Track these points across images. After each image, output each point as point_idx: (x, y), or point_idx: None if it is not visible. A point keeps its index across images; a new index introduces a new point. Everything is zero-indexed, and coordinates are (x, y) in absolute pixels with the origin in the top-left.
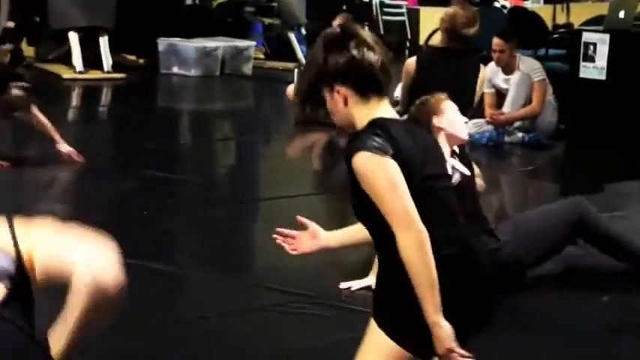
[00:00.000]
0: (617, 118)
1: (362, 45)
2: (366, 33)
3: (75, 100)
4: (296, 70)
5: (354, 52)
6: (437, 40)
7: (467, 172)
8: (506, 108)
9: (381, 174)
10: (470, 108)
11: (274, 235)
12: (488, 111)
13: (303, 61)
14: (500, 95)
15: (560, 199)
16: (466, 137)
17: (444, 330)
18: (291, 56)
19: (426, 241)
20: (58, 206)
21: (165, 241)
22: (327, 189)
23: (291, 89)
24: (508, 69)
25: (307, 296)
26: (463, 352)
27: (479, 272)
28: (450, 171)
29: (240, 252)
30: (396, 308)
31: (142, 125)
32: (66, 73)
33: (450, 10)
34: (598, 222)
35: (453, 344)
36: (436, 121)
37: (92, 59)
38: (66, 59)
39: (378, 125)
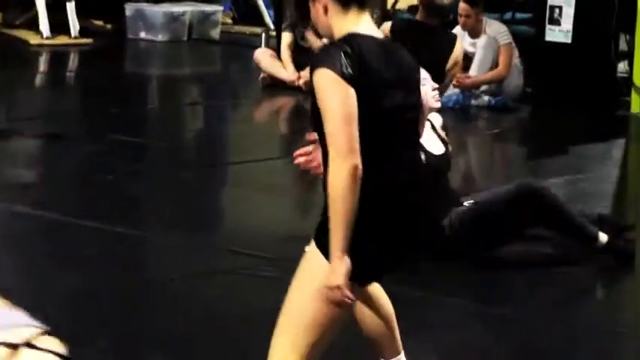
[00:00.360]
0: (582, 82)
1: None
2: None
3: (42, 65)
4: (263, 34)
5: None
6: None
7: (435, 152)
8: (473, 71)
9: (334, 97)
10: (441, 83)
11: (295, 162)
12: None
13: (271, 25)
14: (466, 59)
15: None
16: (437, 105)
17: (340, 266)
18: (259, 21)
19: (356, 176)
20: (23, 171)
21: (130, 205)
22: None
23: (259, 53)
24: (474, 33)
25: (272, 259)
26: (349, 293)
27: (424, 199)
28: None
29: (207, 215)
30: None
31: (109, 90)
32: (33, 39)
33: None
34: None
35: (342, 282)
36: None
37: (59, 25)
38: (33, 25)
39: (348, 41)
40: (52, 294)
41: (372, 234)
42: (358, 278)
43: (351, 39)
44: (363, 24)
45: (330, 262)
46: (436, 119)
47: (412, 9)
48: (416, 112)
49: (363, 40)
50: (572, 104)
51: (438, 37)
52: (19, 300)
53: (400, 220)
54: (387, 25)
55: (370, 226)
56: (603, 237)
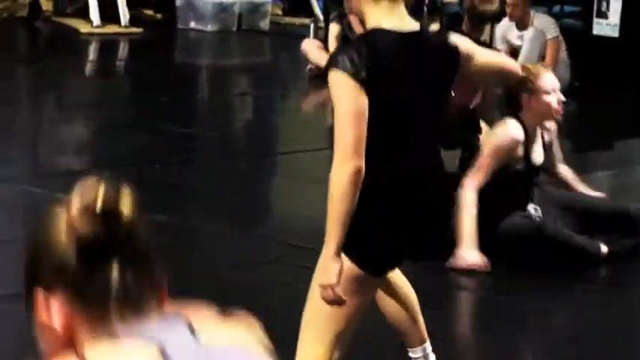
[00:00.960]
0: (629, 75)
1: None
2: None
3: (92, 54)
4: (312, 25)
5: None
6: None
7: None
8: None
9: (344, 99)
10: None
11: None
12: None
13: (320, 16)
14: (513, 52)
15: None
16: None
17: (334, 265)
18: (308, 12)
19: (357, 178)
20: (75, 159)
21: (178, 195)
22: None
23: (306, 44)
24: (522, 25)
25: (318, 251)
26: (339, 293)
27: (441, 191)
28: None
29: (255, 205)
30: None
31: (158, 80)
32: (83, 27)
33: None
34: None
35: (335, 281)
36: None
37: (109, 13)
38: (84, 13)
39: (367, 39)
40: None
41: (384, 222)
42: (370, 268)
43: (371, 37)
44: (394, 15)
45: (323, 260)
46: None
47: (461, 1)
48: (437, 106)
49: (383, 37)
50: (620, 98)
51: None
52: None
53: (414, 210)
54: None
55: (382, 215)
56: (604, 248)
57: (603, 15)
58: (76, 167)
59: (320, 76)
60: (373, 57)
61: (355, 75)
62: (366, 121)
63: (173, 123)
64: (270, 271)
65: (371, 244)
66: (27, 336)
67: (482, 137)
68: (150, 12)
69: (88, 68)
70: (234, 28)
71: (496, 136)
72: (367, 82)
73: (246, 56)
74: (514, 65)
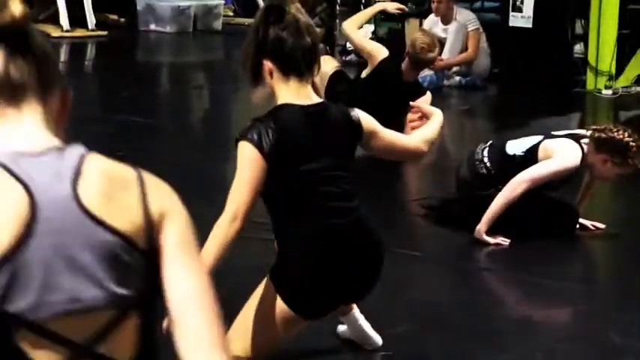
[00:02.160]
0: (542, 63)
1: (291, 27)
2: (301, 17)
3: (63, 55)
4: None
5: (283, 33)
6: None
7: None
8: (445, 54)
9: (246, 167)
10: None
11: (412, 123)
12: None
13: None
14: (440, 43)
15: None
16: None
17: None
18: (256, 13)
19: (233, 238)
20: None
21: None
22: None
23: None
24: (446, 19)
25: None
26: None
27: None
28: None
29: (209, 188)
30: (279, 265)
31: (122, 77)
32: (54, 32)
33: (414, 35)
34: None
35: None
36: None
37: (77, 19)
38: (54, 19)
39: (274, 115)
40: None
41: (308, 275)
42: (301, 312)
43: (279, 113)
44: (301, 93)
45: None
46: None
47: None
48: (341, 169)
49: (290, 112)
50: (534, 83)
51: (412, 92)
52: None
53: (334, 263)
54: (384, 53)
55: (307, 267)
56: None
57: (518, 9)
58: None
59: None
60: (279, 131)
61: (260, 148)
62: (258, 190)
63: (134, 114)
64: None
65: (300, 293)
66: None
67: (549, 155)
68: (114, 16)
69: (59, 68)
70: (191, 29)
71: (564, 161)
72: (271, 155)
73: (202, 54)
74: (416, 144)
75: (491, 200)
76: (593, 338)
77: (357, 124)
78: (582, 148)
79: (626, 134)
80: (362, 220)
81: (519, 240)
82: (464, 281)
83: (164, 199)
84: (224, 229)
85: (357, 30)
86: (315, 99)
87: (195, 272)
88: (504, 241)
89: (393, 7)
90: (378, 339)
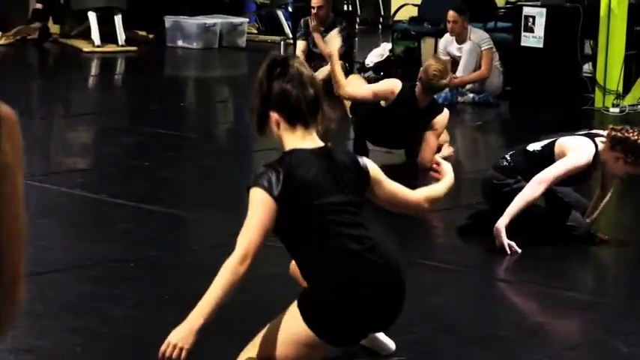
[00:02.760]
0: (553, 81)
1: (295, 80)
2: (304, 70)
3: (93, 69)
4: (282, 42)
5: (288, 85)
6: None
7: None
8: (459, 72)
9: (257, 212)
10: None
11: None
12: None
13: (289, 34)
14: (454, 62)
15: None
16: None
17: (190, 337)
18: (279, 31)
19: (241, 277)
20: (79, 159)
21: (163, 187)
22: None
23: None
24: (460, 39)
25: None
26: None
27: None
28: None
29: (230, 196)
30: (307, 295)
31: (150, 90)
32: (86, 47)
33: (426, 62)
34: None
35: (188, 347)
36: None
37: (108, 35)
38: (86, 35)
39: (283, 160)
40: (92, 259)
41: (333, 306)
42: (329, 340)
43: (287, 158)
44: (307, 140)
45: (186, 327)
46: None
47: (413, 20)
48: (353, 205)
49: (298, 155)
50: (545, 100)
51: (429, 113)
52: (65, 260)
53: (356, 292)
54: (398, 86)
55: (330, 299)
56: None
57: (530, 29)
58: (79, 166)
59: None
60: (288, 173)
61: (270, 192)
62: (268, 231)
63: (161, 126)
64: None
65: (328, 323)
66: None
67: (564, 150)
68: (143, 33)
69: (90, 82)
70: (216, 45)
71: (577, 158)
72: (280, 196)
73: (226, 69)
74: (418, 200)
75: (509, 190)
76: (600, 347)
77: (365, 171)
78: (596, 145)
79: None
80: (379, 247)
81: (532, 249)
82: (477, 291)
83: None
84: (233, 268)
85: (355, 86)
86: (321, 143)
87: None
88: (516, 249)
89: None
90: (391, 345)
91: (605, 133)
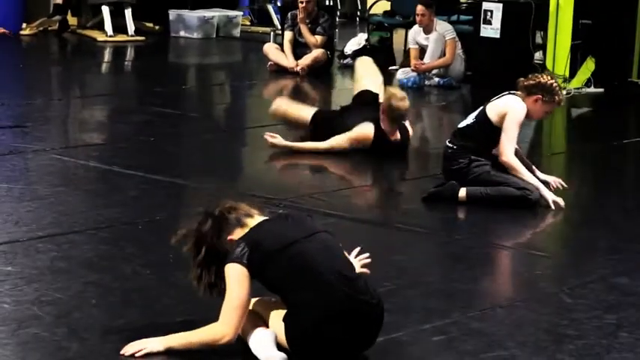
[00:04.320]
0: (508, 67)
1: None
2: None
3: (106, 57)
4: (272, 32)
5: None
6: None
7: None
8: (427, 59)
9: (233, 284)
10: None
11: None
12: (412, 62)
13: (278, 26)
14: (422, 50)
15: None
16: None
17: (159, 341)
18: (269, 23)
19: (219, 340)
20: (94, 135)
21: (168, 159)
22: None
23: (266, 47)
24: (427, 30)
25: (270, 199)
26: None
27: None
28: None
29: (226, 168)
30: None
31: (156, 75)
32: (100, 37)
33: (387, 93)
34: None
35: (145, 346)
36: None
37: (119, 26)
38: (100, 26)
39: (248, 236)
40: (103, 222)
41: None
42: (296, 351)
43: (250, 233)
44: (257, 219)
45: (165, 339)
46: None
47: (387, 13)
48: (320, 240)
49: (258, 227)
50: (501, 84)
51: (401, 141)
52: (81, 223)
53: (341, 326)
54: (370, 133)
55: (314, 328)
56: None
57: (488, 22)
58: (94, 141)
59: (278, 71)
60: (253, 245)
61: (241, 262)
62: (248, 301)
63: (165, 106)
64: None
65: (306, 343)
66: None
67: (499, 112)
68: (150, 24)
69: (103, 68)
70: (214, 36)
71: (517, 111)
72: (252, 264)
73: (223, 57)
74: None
75: (467, 169)
76: (547, 298)
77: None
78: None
79: (548, 77)
80: (358, 283)
81: (489, 213)
82: (441, 250)
83: None
84: (216, 338)
85: (332, 140)
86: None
87: None
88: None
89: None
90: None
91: (518, 84)
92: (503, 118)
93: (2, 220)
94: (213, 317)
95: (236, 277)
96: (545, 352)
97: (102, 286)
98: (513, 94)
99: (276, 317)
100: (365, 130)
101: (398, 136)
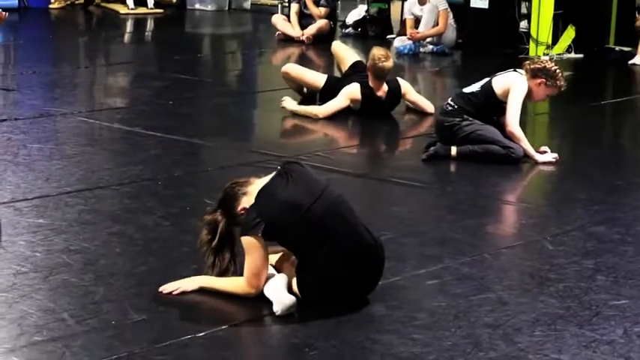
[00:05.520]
0: (495, 35)
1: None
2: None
3: (128, 28)
4: (279, 5)
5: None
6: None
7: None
8: (421, 28)
9: (253, 255)
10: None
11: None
12: (408, 31)
13: None
14: (416, 20)
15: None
16: None
17: (193, 281)
18: None
19: (242, 295)
20: (118, 99)
21: (185, 121)
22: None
23: (274, 18)
24: (422, 1)
25: (277, 156)
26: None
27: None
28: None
29: (239, 128)
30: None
31: (173, 44)
32: (122, 10)
33: (371, 51)
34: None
35: (180, 285)
36: None
37: (140, 0)
38: (122, 0)
39: (256, 204)
40: (126, 178)
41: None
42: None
43: (258, 200)
44: (262, 180)
45: (198, 281)
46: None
47: None
48: (327, 197)
49: (267, 192)
50: (489, 51)
51: (389, 96)
52: (106, 180)
53: (356, 273)
54: (358, 89)
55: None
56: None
57: None
58: (118, 104)
59: (284, 40)
60: (268, 219)
61: (255, 235)
62: (266, 261)
63: (182, 72)
64: (246, 170)
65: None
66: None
67: (504, 86)
68: None
69: (125, 38)
70: (226, 8)
71: (521, 87)
72: (267, 236)
73: (235, 27)
74: None
75: (459, 127)
76: (531, 246)
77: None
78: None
79: (552, 64)
80: (371, 237)
81: (479, 169)
82: (435, 202)
83: None
84: (240, 293)
85: (328, 104)
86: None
87: None
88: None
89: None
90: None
91: (524, 66)
92: (505, 92)
93: (34, 177)
94: None
95: (252, 247)
96: (529, 295)
97: (125, 237)
98: (518, 71)
99: (289, 266)
100: (352, 88)
101: (385, 90)
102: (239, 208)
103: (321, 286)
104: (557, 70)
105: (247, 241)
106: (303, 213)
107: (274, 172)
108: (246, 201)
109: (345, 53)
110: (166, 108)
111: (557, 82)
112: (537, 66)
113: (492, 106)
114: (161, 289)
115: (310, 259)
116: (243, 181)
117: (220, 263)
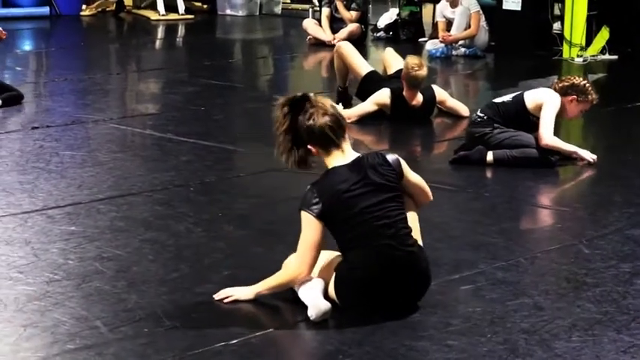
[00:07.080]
0: (529, 36)
1: (315, 113)
2: (318, 102)
3: (159, 34)
4: (310, 9)
5: (310, 121)
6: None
7: None
8: (453, 31)
9: (307, 232)
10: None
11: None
12: (440, 34)
13: (316, 3)
14: (448, 23)
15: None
16: None
17: (247, 290)
18: (308, 0)
19: (296, 277)
20: (149, 105)
21: (216, 127)
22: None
23: (305, 23)
24: (454, 4)
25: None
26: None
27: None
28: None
29: (271, 133)
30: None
31: (204, 49)
32: (153, 16)
33: (405, 60)
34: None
35: (241, 299)
36: None
37: (171, 6)
38: (153, 7)
39: (321, 181)
40: (158, 185)
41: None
42: (340, 300)
43: (324, 178)
44: (340, 156)
45: (250, 291)
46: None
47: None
48: (387, 201)
49: (334, 173)
50: (522, 53)
51: (423, 106)
52: (138, 186)
53: (386, 281)
54: (387, 96)
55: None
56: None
57: None
58: (149, 111)
59: (315, 44)
60: (326, 193)
61: (311, 212)
62: (319, 243)
63: (214, 78)
64: (278, 176)
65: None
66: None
67: (536, 100)
68: (199, 4)
69: (157, 44)
70: (257, 13)
71: (554, 102)
72: (322, 214)
73: (265, 32)
74: (429, 194)
75: (490, 136)
76: (567, 250)
77: (396, 165)
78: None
79: (581, 79)
80: (415, 249)
81: (515, 173)
82: (469, 206)
83: None
84: (293, 277)
85: (357, 108)
86: (353, 155)
87: None
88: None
89: None
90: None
91: (553, 85)
92: (537, 106)
93: (66, 185)
94: (257, 273)
95: (309, 223)
96: (566, 299)
97: (157, 243)
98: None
99: (326, 269)
100: (381, 94)
101: (419, 100)
102: (311, 146)
103: (352, 284)
104: (587, 85)
105: (305, 217)
106: (354, 214)
107: (357, 156)
108: (321, 153)
109: (395, 59)
110: (198, 114)
111: (589, 96)
112: (566, 83)
113: (522, 119)
114: (215, 295)
115: (346, 256)
116: (343, 137)
117: (296, 154)
